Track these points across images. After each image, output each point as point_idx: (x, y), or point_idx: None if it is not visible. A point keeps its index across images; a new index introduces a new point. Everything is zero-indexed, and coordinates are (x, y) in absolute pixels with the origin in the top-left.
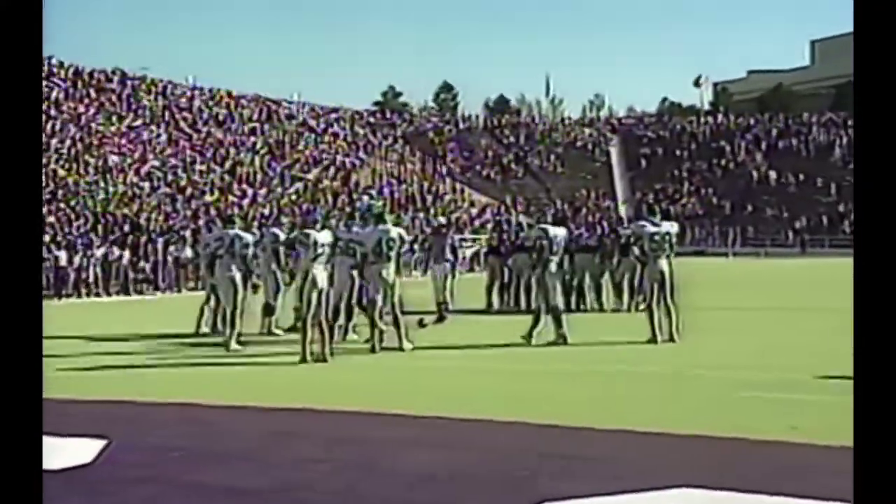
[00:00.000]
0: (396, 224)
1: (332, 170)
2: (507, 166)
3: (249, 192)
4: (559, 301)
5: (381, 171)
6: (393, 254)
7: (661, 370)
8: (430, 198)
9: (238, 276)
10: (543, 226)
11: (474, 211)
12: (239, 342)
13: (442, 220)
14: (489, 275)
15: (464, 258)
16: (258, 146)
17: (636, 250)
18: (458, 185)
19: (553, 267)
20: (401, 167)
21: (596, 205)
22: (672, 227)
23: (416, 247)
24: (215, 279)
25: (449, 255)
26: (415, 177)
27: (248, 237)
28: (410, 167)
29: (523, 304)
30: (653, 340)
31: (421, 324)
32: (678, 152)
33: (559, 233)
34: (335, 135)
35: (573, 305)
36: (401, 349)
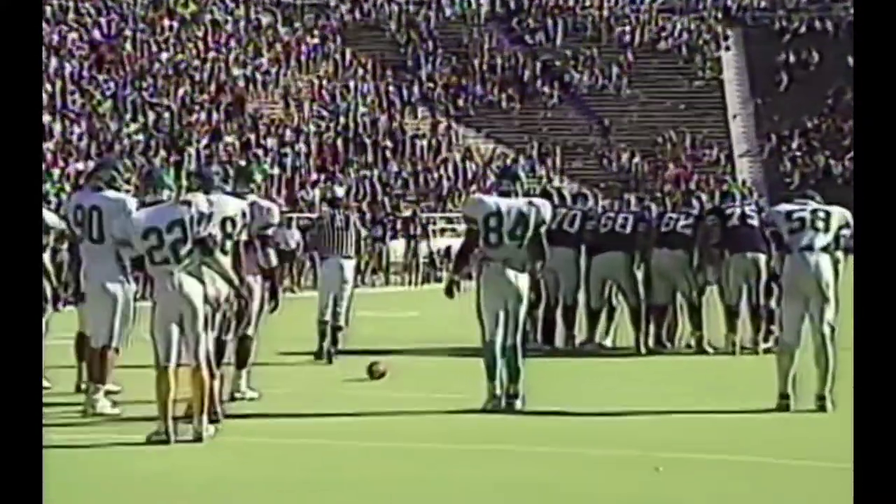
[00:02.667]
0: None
1: (211, 88)
2: (530, 87)
3: (55, 128)
4: (500, 334)
5: (304, 92)
6: (230, 246)
7: (803, 462)
8: (390, 143)
9: None
10: (480, 196)
11: (472, 166)
12: None
13: (339, 190)
14: None
15: (439, 255)
16: (75, 46)
17: (769, 242)
18: (443, 121)
19: (500, 271)
20: (340, 87)
21: (693, 159)
22: (835, 210)
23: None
24: None
25: (348, 251)
26: (364, 104)
27: None
28: (357, 87)
29: (562, 339)
30: (783, 405)
31: (373, 373)
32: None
33: (514, 207)
34: (216, 24)
35: (648, 341)
36: (197, 438)
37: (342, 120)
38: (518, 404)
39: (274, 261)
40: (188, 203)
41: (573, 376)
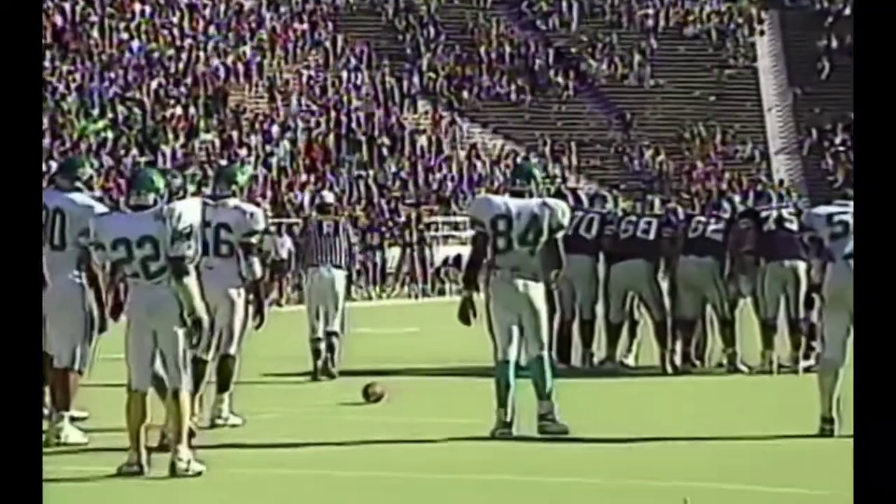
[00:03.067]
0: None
1: (188, 80)
2: (542, 77)
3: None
4: (513, 352)
5: (292, 84)
6: (190, 259)
7: (848, 494)
8: (387, 140)
9: None
10: (488, 196)
11: (479, 166)
12: None
13: (328, 195)
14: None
15: (444, 264)
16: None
17: (809, 248)
18: (446, 115)
19: (508, 279)
20: (331, 78)
21: (725, 156)
22: None
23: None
24: None
25: (338, 260)
26: (358, 97)
27: None
28: (351, 78)
29: (579, 357)
30: (827, 430)
31: (369, 396)
32: None
33: (525, 209)
34: (192, 9)
35: (675, 359)
36: (172, 471)
37: (334, 115)
38: (561, 427)
39: (259, 272)
40: (163, 218)
41: (591, 398)
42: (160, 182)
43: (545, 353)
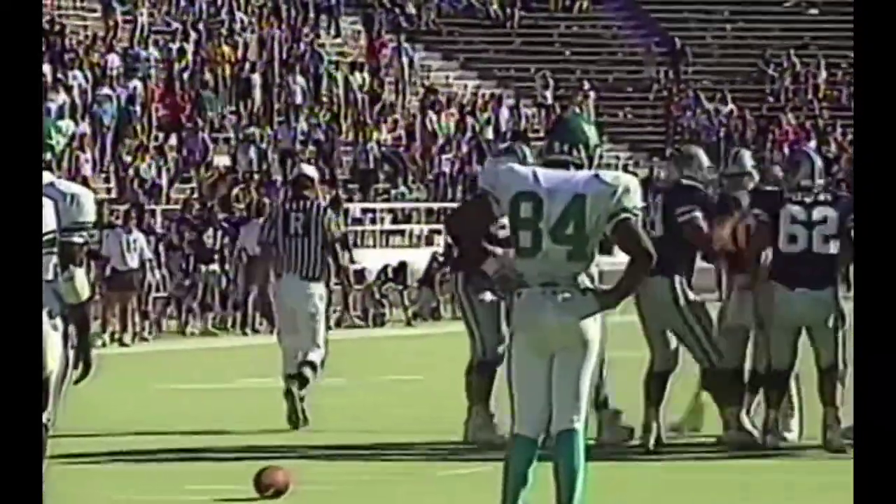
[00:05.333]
0: None
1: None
2: None
3: None
4: (535, 419)
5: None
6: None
7: None
8: (299, 81)
9: None
10: (510, 165)
11: (440, 119)
12: None
13: (309, 168)
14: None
15: (383, 279)
16: None
17: None
18: (387, 40)
19: (539, 302)
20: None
21: (829, 104)
22: None
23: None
24: None
25: (312, 268)
26: (247, 11)
27: None
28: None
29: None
30: None
31: (264, 487)
32: None
33: (563, 187)
34: None
35: (747, 423)
36: None
37: (206, 40)
38: None
39: (84, 290)
40: (61, 194)
41: (616, 492)
42: (57, 136)
43: (579, 426)
